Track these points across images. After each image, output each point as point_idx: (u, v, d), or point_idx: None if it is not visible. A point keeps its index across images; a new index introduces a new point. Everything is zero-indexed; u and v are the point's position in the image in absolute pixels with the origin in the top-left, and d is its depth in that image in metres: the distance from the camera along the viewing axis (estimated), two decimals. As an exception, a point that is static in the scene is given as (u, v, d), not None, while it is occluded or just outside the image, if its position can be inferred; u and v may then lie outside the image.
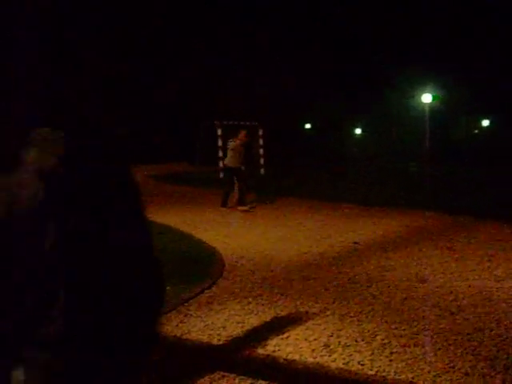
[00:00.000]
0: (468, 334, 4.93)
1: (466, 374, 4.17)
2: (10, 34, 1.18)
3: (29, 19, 1.19)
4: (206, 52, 37.36)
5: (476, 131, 56.73)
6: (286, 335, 4.96)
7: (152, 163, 34.05)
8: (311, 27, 41.48)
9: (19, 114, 1.16)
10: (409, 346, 4.67)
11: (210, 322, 5.36)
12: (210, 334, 5.04)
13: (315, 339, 4.86)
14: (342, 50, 43.12)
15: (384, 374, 4.18)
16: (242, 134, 13.60)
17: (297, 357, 4.51)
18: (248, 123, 25.55)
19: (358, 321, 5.34)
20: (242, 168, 13.19)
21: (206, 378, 4.14)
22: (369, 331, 5.04)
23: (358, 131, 64.06)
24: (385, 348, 4.64)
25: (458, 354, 4.50)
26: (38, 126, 1.12)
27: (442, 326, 5.13)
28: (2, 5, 1.15)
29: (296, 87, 40.46)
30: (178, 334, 5.05)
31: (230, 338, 4.94)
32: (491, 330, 4.99)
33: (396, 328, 5.10)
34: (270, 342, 4.80)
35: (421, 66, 38.81)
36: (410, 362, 4.39)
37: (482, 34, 38.59)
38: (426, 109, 37.24)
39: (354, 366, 4.33)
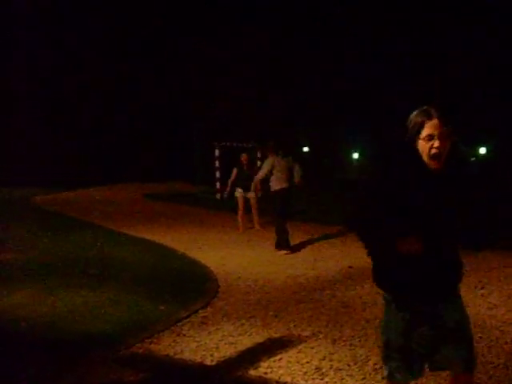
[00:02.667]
0: (460, 360, 4.94)
1: (457, 400, 4.17)
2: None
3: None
4: (204, 72, 37.54)
5: (473, 159, 56.93)
6: (278, 357, 4.96)
7: (149, 181, 34.07)
8: (309, 56, 41.83)
9: None
10: (401, 372, 4.67)
11: (203, 342, 5.37)
12: (202, 355, 5.05)
13: (307, 362, 4.87)
14: (340, 78, 43.46)
15: (375, 398, 4.20)
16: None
17: (288, 379, 4.52)
18: (245, 145, 25.66)
19: (351, 345, 5.35)
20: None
21: (198, 398, 4.15)
22: (361, 355, 5.06)
23: (356, 156, 64.33)
24: (377, 373, 4.65)
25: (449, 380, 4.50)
26: None
27: (434, 352, 5.13)
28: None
29: (294, 113, 40.75)
30: (171, 354, 5.06)
31: (222, 359, 4.95)
32: (483, 357, 5.01)
33: (388, 353, 5.11)
34: (262, 363, 4.81)
35: (418, 92, 39.04)
36: (401, 387, 4.40)
37: (478, 62, 38.94)
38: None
39: (346, 390, 4.34)
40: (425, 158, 3.02)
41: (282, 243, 10.64)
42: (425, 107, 3.08)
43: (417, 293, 3.11)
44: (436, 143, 2.97)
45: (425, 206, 3.02)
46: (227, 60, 37.20)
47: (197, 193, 25.07)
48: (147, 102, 38.63)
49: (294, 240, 11.86)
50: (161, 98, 38.63)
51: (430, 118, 3.01)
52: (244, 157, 13.40)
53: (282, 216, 10.80)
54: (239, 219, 13.39)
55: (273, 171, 10.80)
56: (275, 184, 10.77)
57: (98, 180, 32.86)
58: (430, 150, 2.99)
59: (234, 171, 13.46)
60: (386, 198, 3.07)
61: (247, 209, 13.34)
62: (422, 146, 3.02)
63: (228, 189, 13.62)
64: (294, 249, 10.72)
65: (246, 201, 13.20)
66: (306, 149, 57.80)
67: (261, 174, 11.04)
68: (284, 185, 10.77)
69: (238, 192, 13.37)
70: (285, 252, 10.48)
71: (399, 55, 42.45)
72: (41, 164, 34.23)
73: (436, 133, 2.98)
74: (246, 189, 12.92)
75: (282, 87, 39.75)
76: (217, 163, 23.78)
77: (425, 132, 3.01)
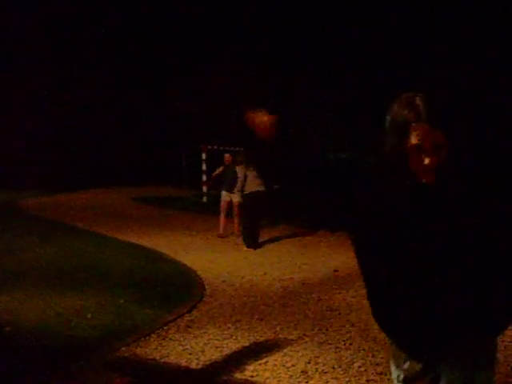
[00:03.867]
0: (443, 363, 4.99)
1: (440, 402, 4.22)
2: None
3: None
4: (193, 78, 37.52)
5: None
6: (264, 361, 4.99)
7: (136, 185, 34.00)
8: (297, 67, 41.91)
9: None
10: (385, 374, 4.72)
11: (188, 346, 5.38)
12: (188, 358, 5.07)
13: (293, 365, 4.90)
14: (330, 85, 43.52)
15: (359, 401, 4.24)
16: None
17: (274, 383, 4.55)
18: (233, 148, 25.66)
19: (336, 348, 5.39)
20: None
21: (184, 401, 4.17)
22: (346, 358, 5.09)
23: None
24: (361, 375, 4.69)
25: (433, 383, 4.55)
26: None
27: (418, 355, 5.18)
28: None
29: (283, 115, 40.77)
30: (157, 358, 5.07)
31: (208, 363, 4.97)
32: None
33: (373, 356, 5.16)
34: (248, 367, 4.83)
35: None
36: (385, 389, 4.45)
37: (468, 70, 39.06)
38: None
39: (331, 393, 4.38)
40: (414, 168, 2.16)
41: (246, 240, 11.42)
42: (410, 96, 2.17)
43: (407, 341, 2.33)
44: (427, 160, 2.11)
45: (413, 228, 2.20)
46: (217, 69, 37.24)
47: (184, 196, 25.05)
48: (135, 106, 38.59)
49: (280, 243, 11.94)
50: (149, 103, 38.58)
51: (416, 119, 2.10)
52: (227, 157, 13.47)
53: (249, 216, 11.56)
54: (221, 221, 13.16)
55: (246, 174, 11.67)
56: (248, 187, 11.55)
57: (86, 184, 32.75)
58: (420, 163, 2.13)
59: (221, 168, 13.77)
60: (369, 217, 2.27)
61: (230, 212, 13.14)
62: (411, 154, 2.14)
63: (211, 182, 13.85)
64: (273, 250, 10.95)
65: (231, 204, 13.08)
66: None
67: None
68: (256, 188, 11.46)
69: (223, 194, 13.14)
70: (245, 249, 11.26)
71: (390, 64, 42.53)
72: (28, 167, 34.07)
73: (426, 144, 2.10)
74: (231, 189, 12.82)
75: (269, 90, 39.82)
76: (204, 166, 23.79)
77: (412, 139, 2.11)
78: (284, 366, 4.90)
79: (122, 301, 6.89)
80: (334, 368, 4.86)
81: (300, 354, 5.21)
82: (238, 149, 24.94)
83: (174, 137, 37.83)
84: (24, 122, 35.43)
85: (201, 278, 8.43)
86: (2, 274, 8.37)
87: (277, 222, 16.10)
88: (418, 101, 2.13)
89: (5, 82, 33.84)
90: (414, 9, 42.32)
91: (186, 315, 6.44)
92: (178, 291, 7.52)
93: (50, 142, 37.20)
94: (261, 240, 11.77)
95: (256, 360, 5.00)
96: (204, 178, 23.61)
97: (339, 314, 6.62)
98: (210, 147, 24.29)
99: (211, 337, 5.68)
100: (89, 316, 6.22)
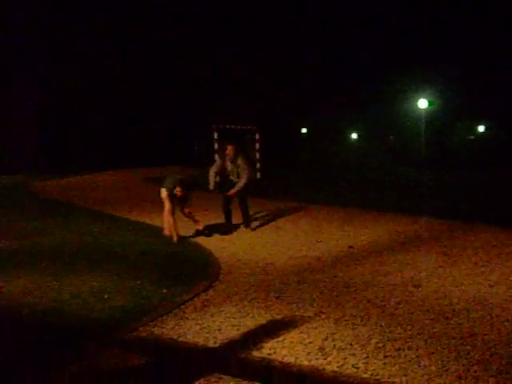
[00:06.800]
0: (461, 338, 4.98)
1: (460, 377, 4.21)
2: None
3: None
4: (205, 59, 37.47)
5: (472, 137, 57.05)
6: (281, 338, 4.99)
7: (147, 166, 34.04)
8: (307, 30, 41.84)
9: None
10: (403, 350, 4.71)
11: (205, 325, 5.39)
12: (205, 337, 5.08)
13: (310, 342, 4.90)
14: (340, 59, 43.54)
15: (378, 377, 4.23)
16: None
17: (292, 360, 4.55)
18: (244, 127, 25.60)
19: (353, 324, 5.38)
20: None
21: (202, 380, 4.17)
22: (363, 335, 5.08)
23: (354, 136, 64.29)
24: (379, 351, 4.69)
25: (452, 358, 4.54)
26: None
27: (435, 330, 5.17)
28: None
29: (292, 91, 40.75)
30: (174, 337, 5.08)
31: (225, 341, 4.98)
32: (485, 335, 5.04)
33: (390, 332, 5.15)
34: (265, 344, 4.84)
35: (417, 71, 38.94)
36: (403, 365, 4.44)
37: (478, 39, 38.69)
38: (422, 114, 37.39)
39: (349, 369, 4.37)
40: None
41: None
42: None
43: None
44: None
45: None
46: (229, 50, 37.17)
47: (195, 176, 25.02)
48: (148, 88, 38.61)
49: (295, 221, 11.91)
50: (161, 84, 38.61)
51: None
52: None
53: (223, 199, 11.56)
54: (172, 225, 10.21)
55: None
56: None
57: (98, 166, 32.85)
58: None
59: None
60: None
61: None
62: None
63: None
64: (276, 228, 10.85)
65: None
66: (304, 130, 57.74)
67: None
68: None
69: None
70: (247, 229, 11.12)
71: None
72: (40, 150, 34.21)
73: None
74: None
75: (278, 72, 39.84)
76: (216, 146, 23.79)
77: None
78: (301, 343, 4.90)
79: (138, 281, 6.91)
80: (351, 344, 4.86)
81: (317, 330, 5.21)
82: (250, 128, 24.91)
83: (185, 116, 37.83)
84: (34, 105, 35.43)
85: (216, 258, 8.44)
86: (18, 256, 8.42)
87: (289, 200, 16.09)
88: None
89: (8, 62, 33.79)
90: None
91: (203, 294, 6.45)
92: (194, 271, 7.53)
93: (63, 124, 37.29)
94: (274, 219, 12.13)
95: (273, 337, 5.00)
96: (216, 157, 23.60)
97: (355, 290, 6.60)
98: (221, 127, 24.25)
99: (228, 315, 5.69)
100: (105, 297, 6.25)
